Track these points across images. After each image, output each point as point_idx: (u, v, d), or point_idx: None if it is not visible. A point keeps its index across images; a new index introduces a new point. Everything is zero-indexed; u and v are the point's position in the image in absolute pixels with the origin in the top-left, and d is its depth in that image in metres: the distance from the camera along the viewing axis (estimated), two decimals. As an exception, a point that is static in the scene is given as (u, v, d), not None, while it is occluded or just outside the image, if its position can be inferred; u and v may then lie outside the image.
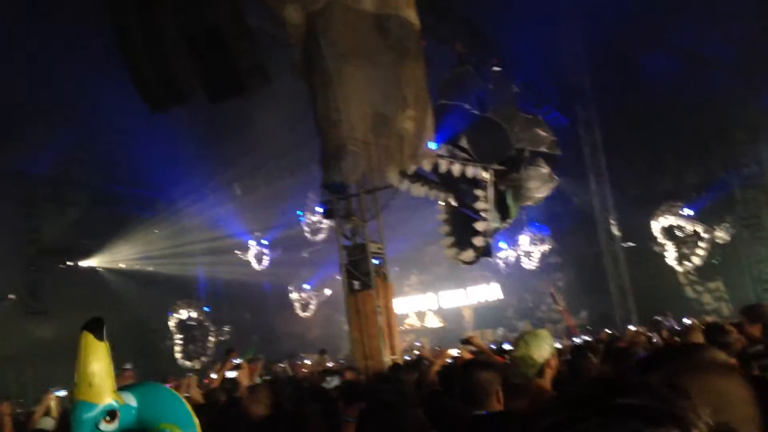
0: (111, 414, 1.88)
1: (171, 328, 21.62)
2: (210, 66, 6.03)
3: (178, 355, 21.43)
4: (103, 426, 1.86)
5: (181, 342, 21.72)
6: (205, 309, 22.92)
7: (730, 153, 19.80)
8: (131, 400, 1.96)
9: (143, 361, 19.78)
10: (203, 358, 21.67)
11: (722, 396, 1.01)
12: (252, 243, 22.72)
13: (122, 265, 22.22)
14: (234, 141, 18.58)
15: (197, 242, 23.02)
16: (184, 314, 21.92)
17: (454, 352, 8.00)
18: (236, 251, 22.81)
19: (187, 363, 21.21)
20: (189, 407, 2.01)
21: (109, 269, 22.10)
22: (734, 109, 18.68)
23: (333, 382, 5.86)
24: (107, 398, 1.88)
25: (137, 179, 19.72)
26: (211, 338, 22.39)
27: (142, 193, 20.77)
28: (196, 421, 1.99)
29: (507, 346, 8.09)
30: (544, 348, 3.27)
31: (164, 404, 2.00)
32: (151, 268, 22.40)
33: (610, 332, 12.85)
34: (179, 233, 22.30)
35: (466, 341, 6.51)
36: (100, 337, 1.92)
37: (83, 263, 21.37)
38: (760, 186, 19.27)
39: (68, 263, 21.00)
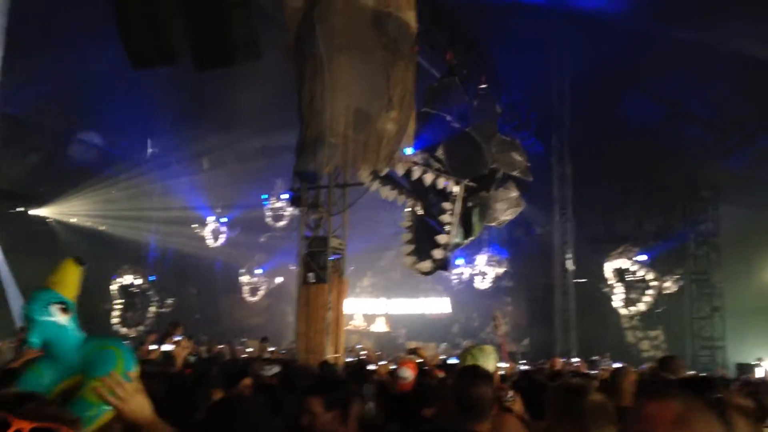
0: (64, 306, 2.14)
1: (112, 292, 21.17)
2: (202, 31, 5.88)
3: (114, 320, 21.00)
4: (54, 311, 2.11)
5: (120, 307, 21.30)
6: (151, 278, 22.53)
7: (690, 207, 20.29)
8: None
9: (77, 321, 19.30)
10: (141, 327, 21.28)
11: None
12: (211, 219, 22.41)
13: (74, 220, 21.66)
14: (210, 114, 18.29)
15: (155, 209, 22.61)
16: (128, 280, 21.51)
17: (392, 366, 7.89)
18: (193, 225, 22.46)
19: (123, 329, 20.80)
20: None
21: (60, 221, 21.52)
22: (702, 166, 19.16)
23: (272, 370, 5.77)
24: (66, 295, 2.18)
25: (105, 135, 19.25)
26: (152, 308, 22.02)
27: (107, 150, 20.25)
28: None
29: (453, 361, 8.05)
30: (490, 362, 3.26)
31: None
32: (103, 228, 21.88)
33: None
34: (138, 197, 21.85)
35: (412, 351, 6.54)
36: (78, 264, 2.28)
37: (34, 211, 20.76)
38: (714, 244, 19.77)
39: (18, 209, 20.38)
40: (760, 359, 15.62)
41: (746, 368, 15.33)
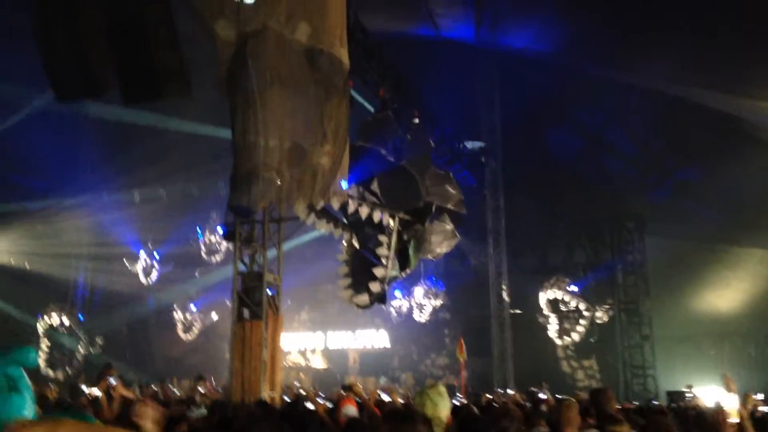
0: None
1: (39, 332, 20.22)
2: (129, 65, 5.78)
3: (41, 362, 20.00)
4: None
5: (46, 349, 20.33)
6: (79, 317, 21.63)
7: (618, 239, 21.00)
8: None
9: (-1, 363, 18.28)
10: (68, 369, 20.34)
11: None
12: (143, 254, 21.74)
13: (-5, 258, 20.70)
14: (142, 145, 17.88)
15: (83, 245, 21.83)
16: (55, 319, 20.60)
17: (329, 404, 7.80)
18: (124, 260, 21.75)
19: (50, 372, 19.84)
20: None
21: (-20, 259, 20.53)
22: (626, 198, 19.93)
23: (198, 411, 5.57)
24: None
25: (29, 168, 18.51)
26: (81, 349, 21.10)
27: (31, 183, 19.46)
28: None
29: (385, 398, 7.99)
30: (447, 407, 3.21)
31: None
32: (26, 265, 20.93)
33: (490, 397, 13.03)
34: (65, 232, 21.04)
35: (348, 388, 6.51)
36: None
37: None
38: (641, 274, 20.47)
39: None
40: (690, 386, 16.01)
41: (676, 396, 15.66)
